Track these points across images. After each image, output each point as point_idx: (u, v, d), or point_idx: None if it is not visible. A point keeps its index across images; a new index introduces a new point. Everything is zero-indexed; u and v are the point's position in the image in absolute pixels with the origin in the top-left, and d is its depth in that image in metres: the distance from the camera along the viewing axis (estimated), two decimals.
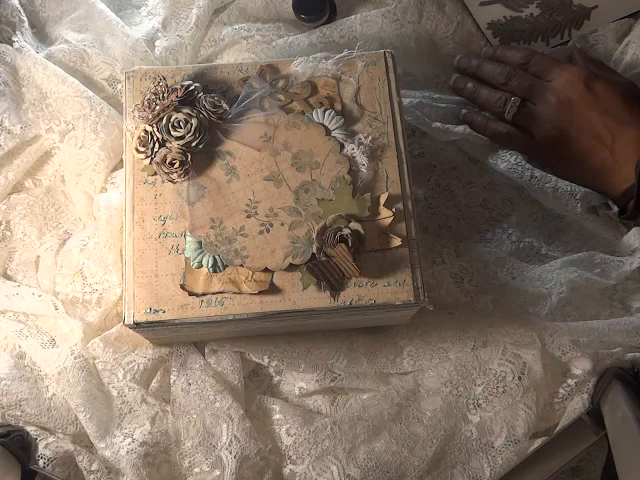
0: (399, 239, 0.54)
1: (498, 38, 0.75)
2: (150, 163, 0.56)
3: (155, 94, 0.56)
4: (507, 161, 0.67)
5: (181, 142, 0.55)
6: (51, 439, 0.58)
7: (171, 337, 0.59)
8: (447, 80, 0.73)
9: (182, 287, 0.53)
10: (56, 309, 0.61)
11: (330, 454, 0.59)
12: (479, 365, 0.60)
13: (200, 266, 0.54)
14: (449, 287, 0.64)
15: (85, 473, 0.58)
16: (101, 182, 0.66)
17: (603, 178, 0.66)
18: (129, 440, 0.58)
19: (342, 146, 0.57)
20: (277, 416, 0.61)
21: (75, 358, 0.59)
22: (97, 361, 0.61)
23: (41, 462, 0.57)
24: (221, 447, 0.58)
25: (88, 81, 0.69)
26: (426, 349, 0.61)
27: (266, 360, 0.61)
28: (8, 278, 0.64)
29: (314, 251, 0.54)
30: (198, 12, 0.72)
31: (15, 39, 0.68)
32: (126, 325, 0.53)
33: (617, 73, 0.70)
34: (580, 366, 0.60)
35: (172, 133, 0.55)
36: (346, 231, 0.53)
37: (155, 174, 0.56)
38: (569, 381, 0.60)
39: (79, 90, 0.66)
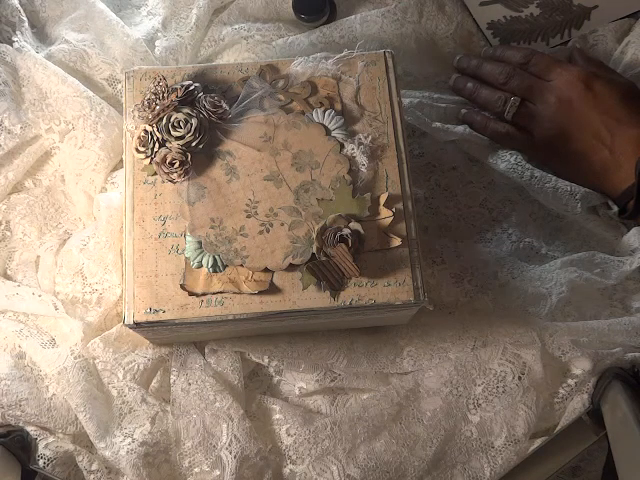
0: (399, 239, 0.54)
1: (498, 38, 0.75)
2: (150, 163, 0.56)
3: (155, 94, 0.56)
4: (507, 161, 0.68)
5: (181, 142, 0.55)
6: (51, 439, 0.58)
7: (171, 337, 0.59)
8: (447, 80, 0.73)
9: (182, 287, 0.53)
10: (56, 309, 0.60)
11: (330, 454, 0.59)
12: (479, 365, 0.60)
13: (200, 266, 0.54)
14: (449, 287, 0.64)
15: (85, 473, 0.58)
16: (101, 182, 0.66)
17: (603, 178, 0.66)
18: (129, 440, 0.58)
19: (342, 146, 0.57)
20: (277, 416, 0.61)
21: (75, 358, 0.59)
22: (97, 361, 0.61)
23: (41, 462, 0.57)
24: (221, 447, 0.58)
25: (88, 81, 0.69)
26: (426, 349, 0.61)
27: (266, 360, 0.61)
28: (8, 278, 0.64)
29: (314, 251, 0.54)
30: (198, 12, 0.72)
31: (15, 39, 0.68)
32: (126, 325, 0.53)
33: (617, 73, 0.70)
34: (580, 366, 0.60)
35: (172, 133, 0.55)
36: (346, 231, 0.53)
37: (155, 174, 0.56)
38: (569, 381, 0.60)
39: (79, 90, 0.66)
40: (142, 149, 0.56)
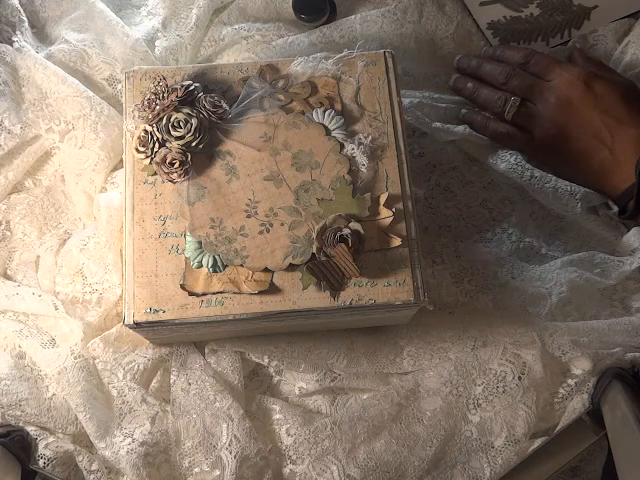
0: (399, 239, 0.54)
1: (498, 38, 0.75)
2: (150, 163, 0.56)
3: (155, 94, 0.56)
4: (507, 161, 0.68)
5: (181, 142, 0.55)
6: (51, 439, 0.58)
7: (171, 337, 0.59)
8: (447, 80, 0.73)
9: (182, 287, 0.53)
10: (56, 309, 0.60)
11: (330, 454, 0.59)
12: (479, 365, 0.60)
13: (200, 266, 0.54)
14: (449, 287, 0.64)
15: (85, 473, 0.58)
16: (101, 182, 0.66)
17: (603, 178, 0.66)
18: (129, 440, 0.58)
19: (342, 146, 0.57)
20: (277, 416, 0.61)
21: (75, 358, 0.59)
22: (97, 361, 0.61)
23: (41, 462, 0.57)
24: (221, 447, 0.58)
25: (88, 81, 0.69)
26: (426, 349, 0.61)
27: (266, 360, 0.61)
28: (8, 278, 0.64)
29: (314, 251, 0.54)
30: (198, 12, 0.72)
31: (15, 39, 0.68)
32: (126, 325, 0.53)
33: (617, 73, 0.70)
34: (580, 366, 0.60)
35: (172, 133, 0.55)
36: (346, 231, 0.53)
37: (155, 174, 0.56)
38: (569, 381, 0.60)
39: (79, 90, 0.66)
40: (142, 149, 0.56)
